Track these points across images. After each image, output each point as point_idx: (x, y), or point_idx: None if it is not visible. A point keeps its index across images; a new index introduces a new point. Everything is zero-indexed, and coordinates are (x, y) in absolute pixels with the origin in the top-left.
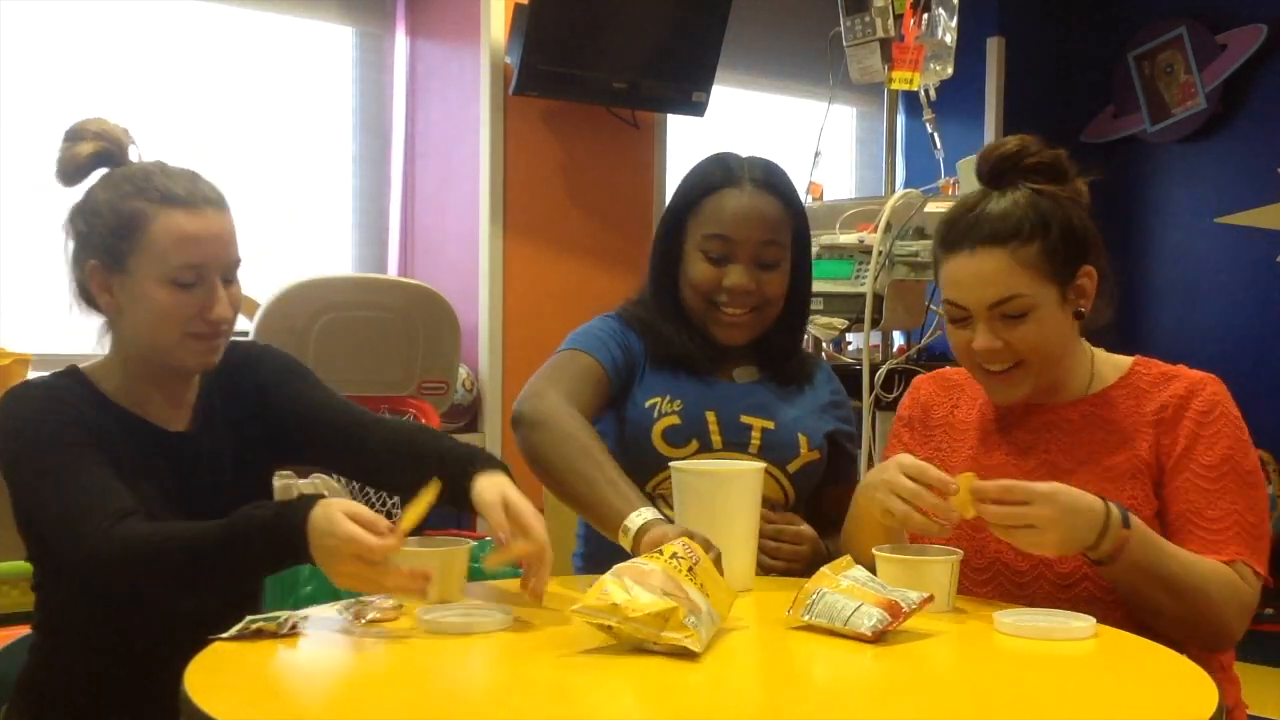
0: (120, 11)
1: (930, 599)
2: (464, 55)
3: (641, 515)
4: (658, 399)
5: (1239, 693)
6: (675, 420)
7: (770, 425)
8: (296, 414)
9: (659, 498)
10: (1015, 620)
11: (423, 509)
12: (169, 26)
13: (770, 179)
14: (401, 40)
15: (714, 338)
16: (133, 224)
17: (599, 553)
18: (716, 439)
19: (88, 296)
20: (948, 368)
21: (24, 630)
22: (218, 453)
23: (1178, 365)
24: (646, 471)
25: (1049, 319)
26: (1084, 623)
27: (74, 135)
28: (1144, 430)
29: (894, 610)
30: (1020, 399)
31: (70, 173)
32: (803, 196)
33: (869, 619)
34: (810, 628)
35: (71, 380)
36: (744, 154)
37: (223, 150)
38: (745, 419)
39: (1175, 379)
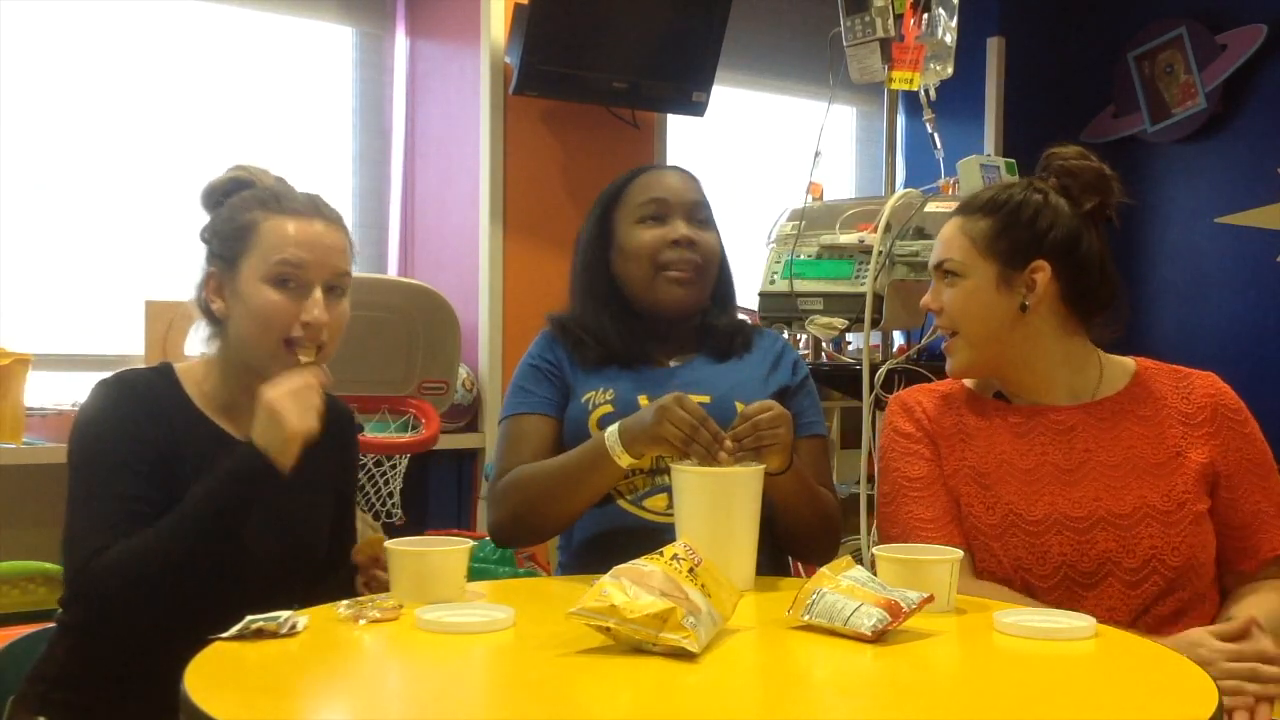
0: (120, 11)
1: (930, 599)
2: (464, 55)
3: (610, 431)
4: (592, 393)
5: None
6: (609, 409)
7: (706, 399)
8: (333, 497)
9: (614, 492)
10: (1015, 620)
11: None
12: (169, 26)
13: (683, 168)
14: (401, 40)
15: (659, 305)
16: (246, 228)
17: (574, 561)
18: None
19: (206, 308)
20: (923, 384)
21: (26, 630)
22: (295, 471)
23: (1173, 365)
24: None
25: (977, 293)
26: (1084, 623)
27: (226, 171)
28: (1187, 428)
29: (894, 610)
30: (959, 372)
31: (209, 196)
32: (803, 197)
33: (869, 618)
34: (810, 627)
35: (163, 378)
36: None
37: (223, 150)
38: None
39: (1191, 376)
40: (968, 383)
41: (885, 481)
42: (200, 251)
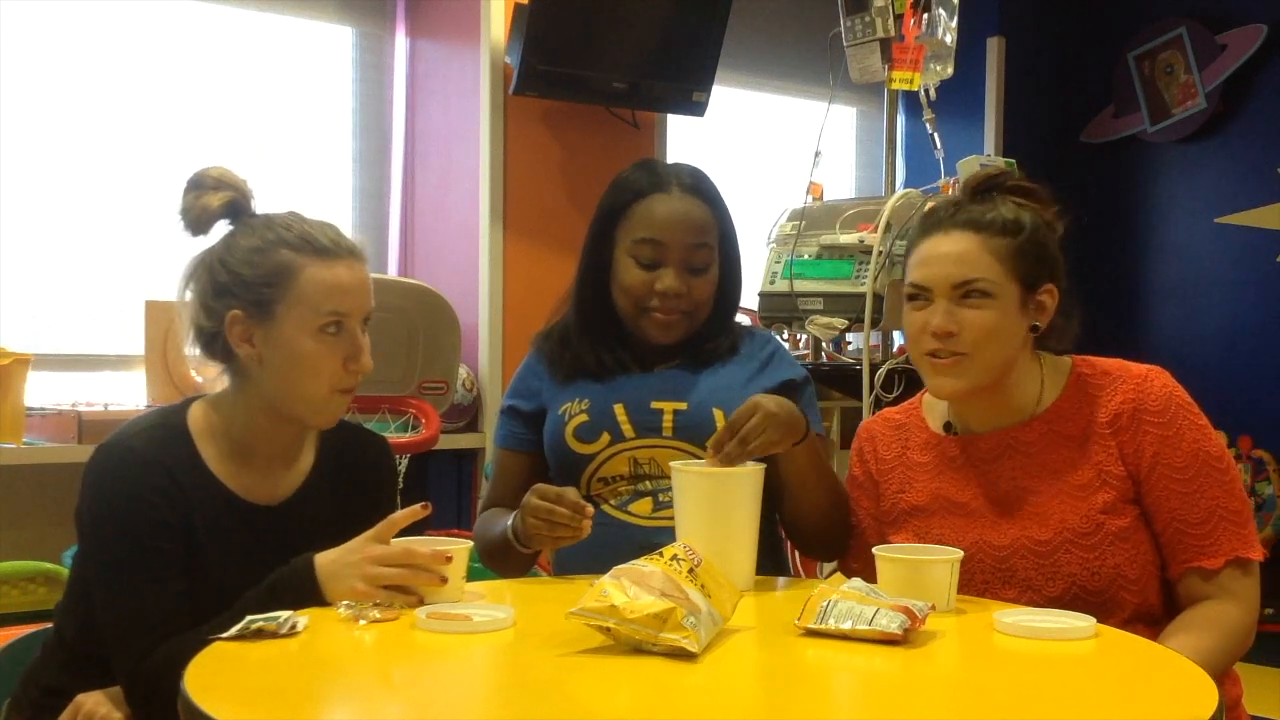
0: (120, 11)
1: (933, 608)
2: (464, 55)
3: (513, 522)
4: (568, 404)
5: (1240, 692)
6: (584, 418)
7: (682, 406)
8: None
9: (598, 499)
10: (1015, 620)
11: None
12: (169, 26)
13: (697, 184)
14: (401, 40)
15: (645, 338)
16: (282, 273)
17: (566, 566)
18: (627, 429)
19: (215, 343)
20: (887, 409)
21: (25, 630)
22: (315, 524)
23: (1117, 360)
24: (572, 470)
25: (1005, 315)
26: (1084, 623)
27: (199, 185)
28: (1103, 440)
29: (910, 614)
30: (960, 393)
31: (201, 222)
32: (803, 197)
33: (894, 620)
34: (815, 632)
35: (172, 437)
36: (671, 161)
37: (223, 150)
38: (656, 404)
39: (1120, 379)
40: (925, 412)
41: None
42: (192, 280)
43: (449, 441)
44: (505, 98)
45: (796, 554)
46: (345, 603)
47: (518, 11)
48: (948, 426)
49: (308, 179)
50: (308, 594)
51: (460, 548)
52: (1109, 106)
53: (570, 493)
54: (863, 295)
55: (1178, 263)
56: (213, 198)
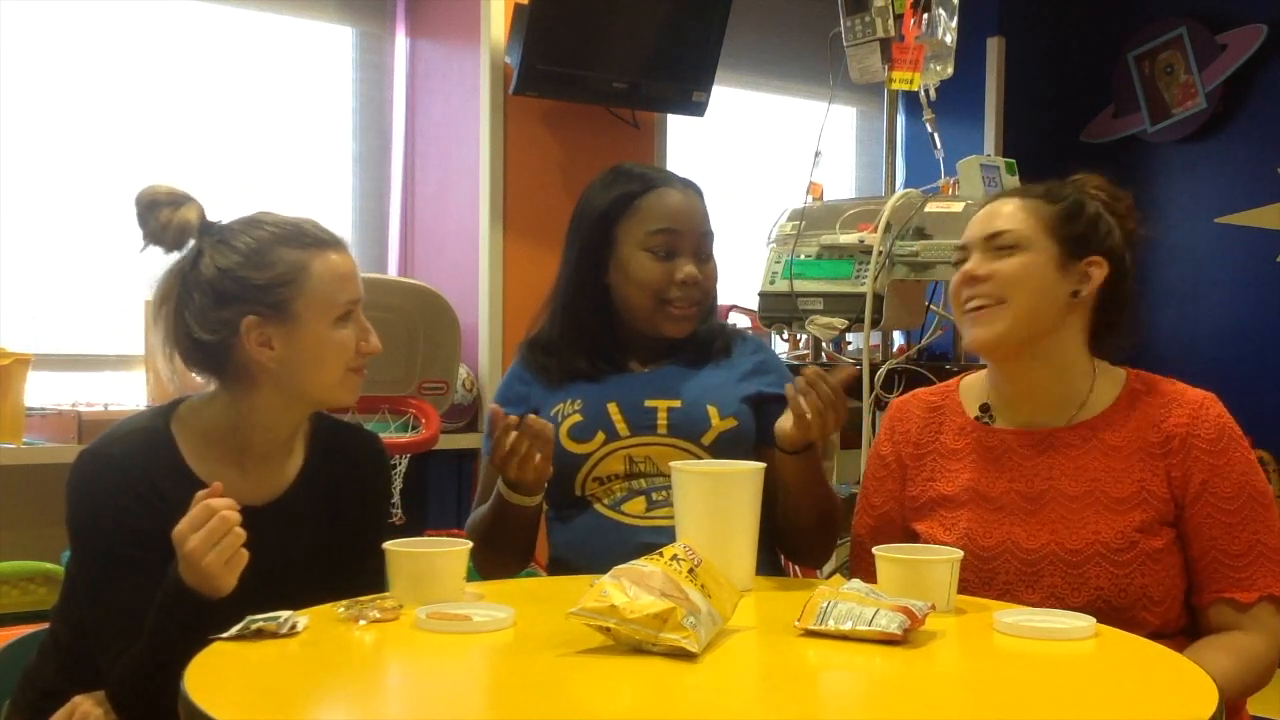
0: (120, 11)
1: (933, 608)
2: (464, 55)
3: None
4: (560, 405)
5: (1244, 701)
6: (578, 418)
7: (676, 404)
8: (356, 532)
9: (591, 499)
10: (1015, 620)
11: None
12: (169, 26)
13: (689, 180)
14: (401, 40)
15: (658, 333)
16: (294, 271)
17: (559, 567)
18: (622, 427)
19: (217, 353)
20: (921, 389)
21: (25, 630)
22: (303, 523)
23: (1171, 380)
24: (567, 471)
25: (1037, 265)
26: (1084, 623)
27: (168, 203)
28: (1150, 459)
29: (909, 614)
30: (990, 342)
31: (183, 237)
32: (803, 197)
33: (893, 620)
34: (815, 632)
35: (154, 442)
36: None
37: (223, 150)
38: (650, 402)
39: (1175, 402)
40: (962, 396)
41: (860, 488)
42: (186, 297)
43: (449, 441)
44: (505, 98)
45: None
46: (345, 603)
47: (518, 11)
48: (984, 408)
49: (308, 179)
50: (199, 609)
51: (460, 548)
52: (1109, 106)
53: (513, 418)
54: (863, 295)
55: (1178, 263)
56: (188, 211)
